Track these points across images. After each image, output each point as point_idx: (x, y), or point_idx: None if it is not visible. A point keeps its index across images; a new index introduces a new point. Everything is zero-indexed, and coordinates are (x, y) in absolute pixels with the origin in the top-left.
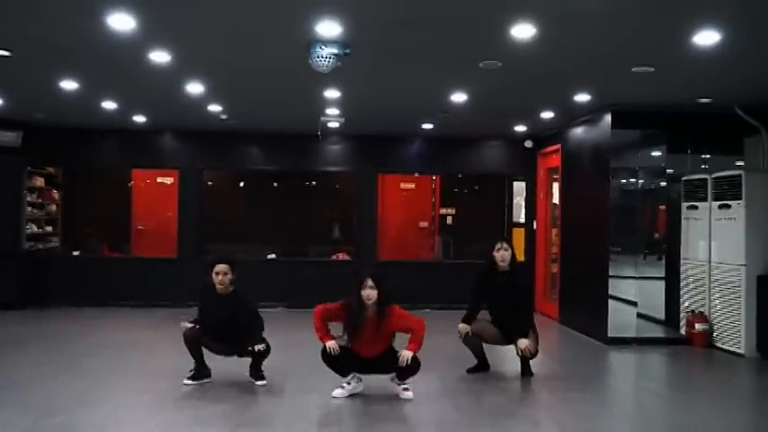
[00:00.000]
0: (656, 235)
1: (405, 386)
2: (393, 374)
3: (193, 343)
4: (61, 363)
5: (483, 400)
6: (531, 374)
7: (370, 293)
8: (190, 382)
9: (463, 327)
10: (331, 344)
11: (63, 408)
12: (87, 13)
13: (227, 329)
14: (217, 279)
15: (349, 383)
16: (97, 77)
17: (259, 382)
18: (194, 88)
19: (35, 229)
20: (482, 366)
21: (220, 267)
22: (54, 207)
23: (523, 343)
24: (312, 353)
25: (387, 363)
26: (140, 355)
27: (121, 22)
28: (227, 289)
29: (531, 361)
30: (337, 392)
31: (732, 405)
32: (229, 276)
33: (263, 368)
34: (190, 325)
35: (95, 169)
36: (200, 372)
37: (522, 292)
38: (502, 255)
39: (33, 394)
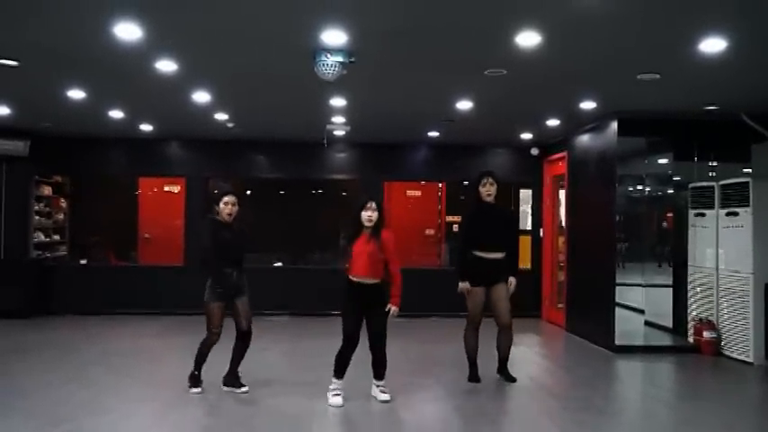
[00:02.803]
0: (661, 227)
1: (382, 387)
2: (375, 381)
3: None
4: (67, 371)
5: (487, 408)
6: (514, 380)
7: (372, 215)
8: (197, 390)
9: (465, 285)
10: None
11: (69, 416)
12: (94, 22)
13: (237, 258)
14: (226, 209)
15: (339, 393)
16: (104, 87)
17: (239, 390)
18: (200, 97)
19: (42, 237)
20: (475, 372)
21: (231, 198)
22: (61, 216)
23: (513, 282)
24: (316, 361)
25: (380, 297)
26: (146, 364)
27: (128, 31)
28: (232, 220)
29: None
30: (337, 401)
31: (740, 414)
32: (236, 208)
33: (240, 374)
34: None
35: (102, 178)
36: (198, 379)
37: (512, 227)
38: (488, 189)
39: (39, 402)
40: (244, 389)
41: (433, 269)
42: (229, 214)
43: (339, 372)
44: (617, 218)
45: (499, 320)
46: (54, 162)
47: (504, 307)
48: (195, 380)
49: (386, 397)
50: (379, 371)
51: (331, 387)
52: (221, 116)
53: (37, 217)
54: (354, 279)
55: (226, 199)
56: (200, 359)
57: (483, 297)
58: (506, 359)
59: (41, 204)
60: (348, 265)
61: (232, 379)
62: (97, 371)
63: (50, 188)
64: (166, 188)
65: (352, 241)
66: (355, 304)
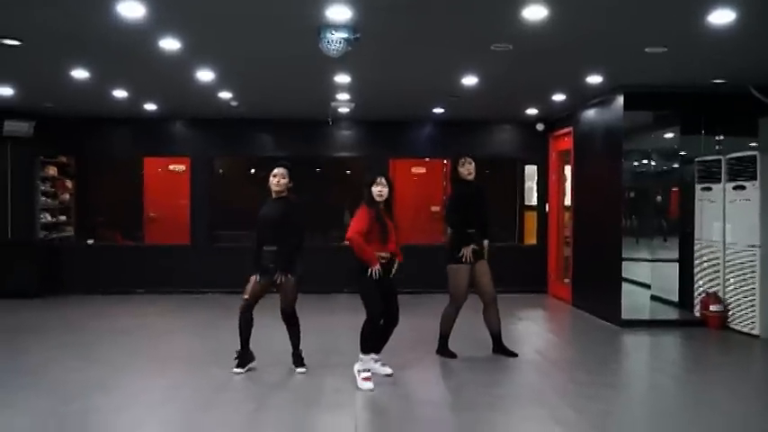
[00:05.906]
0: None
1: (382, 360)
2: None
3: (246, 321)
4: (76, 349)
5: (496, 383)
6: (515, 354)
7: (382, 190)
8: (238, 370)
9: (468, 249)
10: (377, 267)
11: (78, 394)
12: (97, 0)
13: (277, 234)
14: (274, 180)
15: (369, 370)
16: (108, 66)
17: (299, 370)
18: (205, 75)
19: (49, 218)
20: (446, 344)
21: (278, 170)
22: (67, 196)
23: (487, 243)
24: (326, 337)
25: (393, 266)
26: (154, 341)
27: (131, 9)
28: (281, 192)
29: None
30: (367, 385)
31: (747, 386)
32: (286, 180)
33: (302, 352)
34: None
35: (107, 158)
36: (246, 356)
37: (486, 201)
38: (467, 168)
39: (50, 380)
40: (298, 369)
41: (437, 246)
42: (277, 185)
43: (372, 346)
44: (626, 193)
45: (485, 296)
46: (59, 143)
47: (488, 281)
48: (239, 358)
49: (389, 370)
50: (383, 343)
51: (360, 368)
52: (225, 95)
53: (43, 198)
54: (383, 254)
55: (274, 171)
56: (240, 332)
57: (468, 274)
58: (500, 335)
59: (47, 185)
60: (372, 242)
61: (294, 358)
62: (106, 349)
63: (56, 169)
64: (171, 167)
65: (379, 218)
66: (378, 278)
